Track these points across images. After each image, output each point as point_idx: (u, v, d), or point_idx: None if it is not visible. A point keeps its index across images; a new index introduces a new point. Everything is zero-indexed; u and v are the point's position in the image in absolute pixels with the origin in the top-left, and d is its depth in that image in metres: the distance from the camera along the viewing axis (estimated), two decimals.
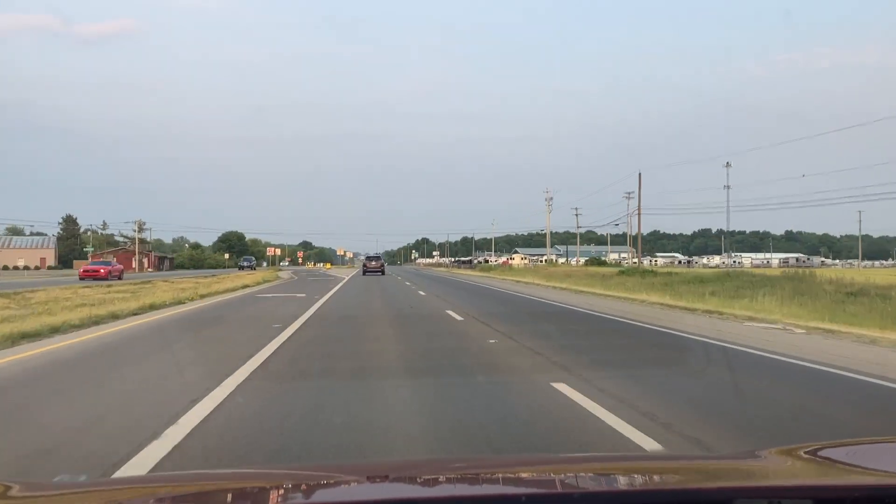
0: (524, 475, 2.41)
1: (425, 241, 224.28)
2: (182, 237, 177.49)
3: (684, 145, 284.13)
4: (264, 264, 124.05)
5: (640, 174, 59.93)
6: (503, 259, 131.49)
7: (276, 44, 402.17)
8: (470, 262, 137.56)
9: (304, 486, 2.22)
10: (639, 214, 59.64)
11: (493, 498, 2.04)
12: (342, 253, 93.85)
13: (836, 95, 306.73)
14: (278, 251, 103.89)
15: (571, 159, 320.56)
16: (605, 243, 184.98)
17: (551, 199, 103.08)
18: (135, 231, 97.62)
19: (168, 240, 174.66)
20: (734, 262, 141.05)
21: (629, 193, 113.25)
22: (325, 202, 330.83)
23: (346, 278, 48.02)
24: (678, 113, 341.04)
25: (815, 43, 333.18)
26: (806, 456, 2.35)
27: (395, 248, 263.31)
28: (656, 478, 2.37)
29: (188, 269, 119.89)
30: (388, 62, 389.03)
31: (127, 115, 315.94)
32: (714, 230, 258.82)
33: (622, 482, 2.29)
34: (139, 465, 4.90)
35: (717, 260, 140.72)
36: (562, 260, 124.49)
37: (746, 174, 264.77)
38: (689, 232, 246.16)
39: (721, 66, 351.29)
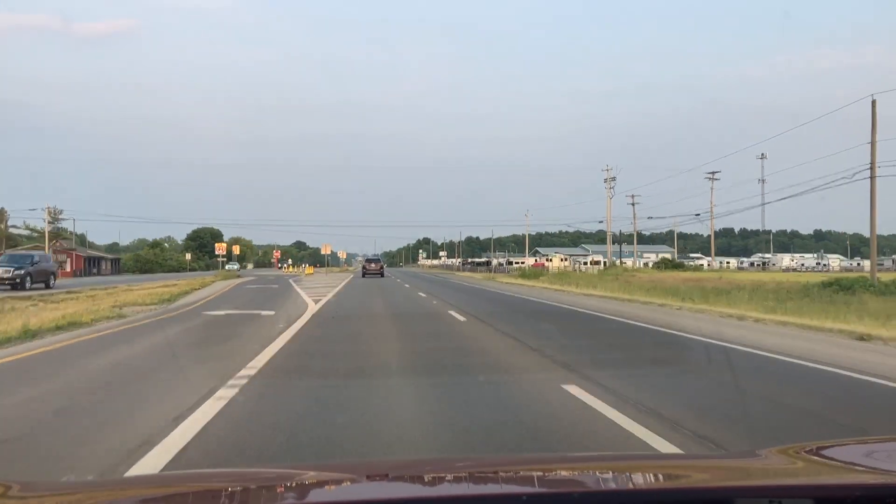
0: (525, 474, 2.26)
1: (427, 240, 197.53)
2: (169, 236, 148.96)
3: (694, 144, 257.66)
4: (250, 266, 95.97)
5: (873, 101, 30.18)
6: (532, 261, 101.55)
7: (275, 43, 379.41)
8: (487, 263, 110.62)
9: (304, 486, 2.12)
10: (872, 175, 29.86)
11: (493, 497, 1.95)
12: (328, 251, 63.84)
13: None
14: (236, 248, 72.13)
15: (576, 160, 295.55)
16: (620, 243, 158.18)
17: (613, 179, 73.00)
18: (46, 222, 66.99)
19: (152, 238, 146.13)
20: (818, 264, 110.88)
21: (713, 174, 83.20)
22: (321, 201, 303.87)
23: (313, 309, 18.93)
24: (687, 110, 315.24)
25: None
26: (806, 455, 2.26)
27: (395, 249, 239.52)
28: (656, 477, 2.24)
29: (133, 273, 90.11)
30: (389, 62, 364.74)
31: (126, 114, 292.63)
32: (737, 230, 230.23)
33: (622, 482, 2.16)
34: None
35: (787, 261, 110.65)
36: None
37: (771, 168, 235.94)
38: (706, 232, 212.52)
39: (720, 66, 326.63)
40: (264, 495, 2.04)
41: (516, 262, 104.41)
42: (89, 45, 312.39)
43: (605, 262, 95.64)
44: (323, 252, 68.00)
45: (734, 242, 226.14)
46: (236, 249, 73.26)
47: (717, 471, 2.32)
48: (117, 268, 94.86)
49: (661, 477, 2.25)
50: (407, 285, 39.32)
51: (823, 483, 2.00)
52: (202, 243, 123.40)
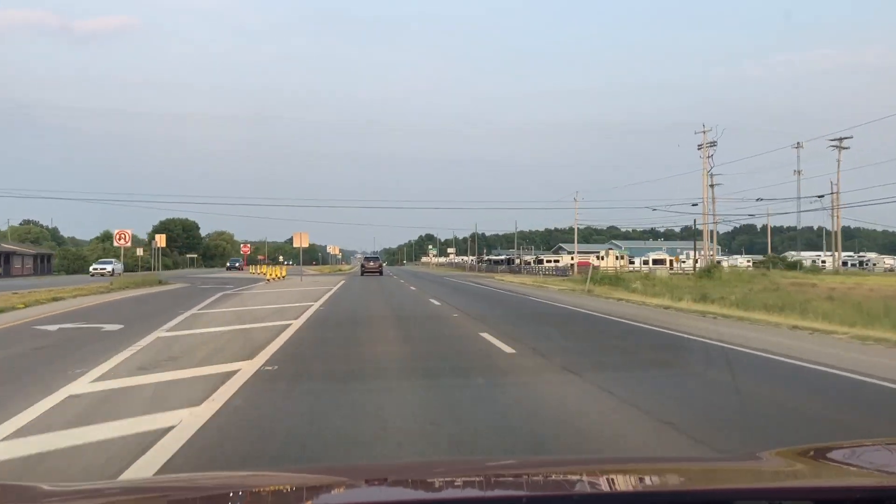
0: (524, 477, 2.23)
1: (430, 237, 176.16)
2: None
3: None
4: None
5: None
6: (569, 259, 79.94)
7: (274, 42, 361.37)
8: (509, 261, 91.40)
9: (302, 490, 2.07)
10: None
11: (493, 500, 1.91)
12: (305, 244, 41.73)
13: None
14: (161, 239, 46.98)
15: (578, 160, 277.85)
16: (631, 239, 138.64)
17: (712, 144, 50.08)
18: None
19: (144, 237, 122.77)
20: None
21: (840, 140, 60.60)
22: (317, 199, 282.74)
23: None
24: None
25: None
26: (806, 457, 2.22)
27: (395, 247, 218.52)
28: (656, 479, 2.21)
29: (59, 274, 67.41)
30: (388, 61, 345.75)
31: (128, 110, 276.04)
32: (759, 226, 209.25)
33: (622, 483, 2.12)
34: None
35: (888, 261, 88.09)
36: (677, 262, 72.26)
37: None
38: (724, 229, 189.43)
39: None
40: (262, 499, 1.97)
41: (547, 261, 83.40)
42: (86, 41, 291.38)
43: (668, 260, 73.51)
44: (296, 244, 44.90)
45: (756, 240, 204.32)
46: (161, 241, 49.71)
47: (717, 473, 2.26)
48: (45, 267, 71.88)
49: (660, 479, 2.20)
50: (488, 336, 12.26)
51: (823, 485, 1.96)
52: (172, 237, 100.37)
